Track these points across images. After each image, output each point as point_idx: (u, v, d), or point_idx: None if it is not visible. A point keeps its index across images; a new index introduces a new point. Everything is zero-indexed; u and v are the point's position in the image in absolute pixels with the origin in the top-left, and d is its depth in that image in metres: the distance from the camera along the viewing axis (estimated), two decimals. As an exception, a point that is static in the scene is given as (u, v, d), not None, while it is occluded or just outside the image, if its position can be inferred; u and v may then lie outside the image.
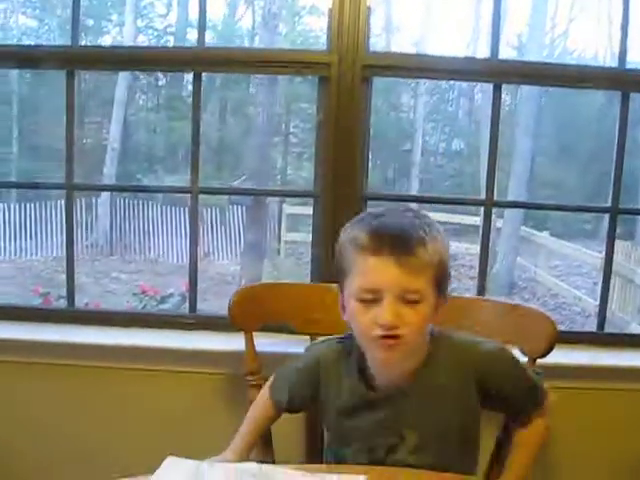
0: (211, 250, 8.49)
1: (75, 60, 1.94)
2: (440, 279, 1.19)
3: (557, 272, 8.81)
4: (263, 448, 1.51)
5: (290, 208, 8.78)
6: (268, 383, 1.45)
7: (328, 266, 1.87)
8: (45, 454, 1.92)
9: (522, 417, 1.33)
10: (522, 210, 8.74)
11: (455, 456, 1.28)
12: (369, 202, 1.93)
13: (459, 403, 1.27)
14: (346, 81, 1.83)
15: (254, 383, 1.58)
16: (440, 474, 1.21)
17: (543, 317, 1.51)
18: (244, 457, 1.32)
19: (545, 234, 8.79)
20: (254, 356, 1.59)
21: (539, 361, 1.49)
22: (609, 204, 1.96)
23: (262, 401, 1.44)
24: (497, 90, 1.91)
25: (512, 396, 1.30)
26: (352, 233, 1.20)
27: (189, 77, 2.03)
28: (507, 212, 8.36)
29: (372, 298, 1.16)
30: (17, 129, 9.97)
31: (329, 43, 1.84)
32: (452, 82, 11.77)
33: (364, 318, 1.18)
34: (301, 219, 8.49)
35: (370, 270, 1.16)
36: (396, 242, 1.15)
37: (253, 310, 1.60)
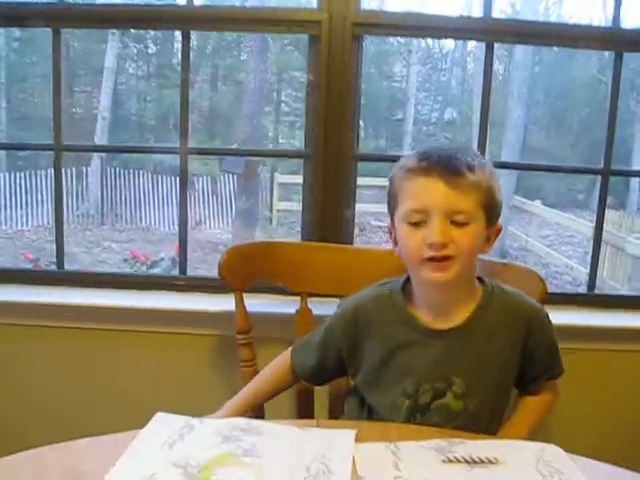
0: (202, 219, 8.46)
1: (61, 18, 1.90)
2: (489, 205, 1.21)
3: (548, 241, 8.82)
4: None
5: (282, 177, 8.74)
6: (291, 347, 1.42)
7: (319, 226, 1.87)
8: (31, 416, 1.93)
9: (534, 386, 1.34)
10: (514, 179, 8.73)
11: (492, 410, 1.29)
12: (360, 163, 1.92)
13: (505, 355, 1.27)
14: (337, 39, 1.81)
15: (244, 342, 1.58)
16: (427, 428, 1.20)
17: (533, 274, 1.51)
18: (239, 415, 1.30)
19: (537, 203, 8.79)
20: (244, 315, 1.59)
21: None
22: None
23: (278, 365, 1.42)
24: (490, 49, 1.89)
25: (539, 359, 1.30)
26: (402, 162, 1.24)
27: (179, 45, 2.00)
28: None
29: (421, 219, 1.18)
30: (5, 98, 9.85)
31: (319, 1, 1.82)
32: (445, 51, 11.73)
33: (413, 240, 1.19)
34: (293, 188, 8.47)
35: (419, 191, 1.19)
36: (444, 164, 1.18)
37: (243, 269, 1.60)
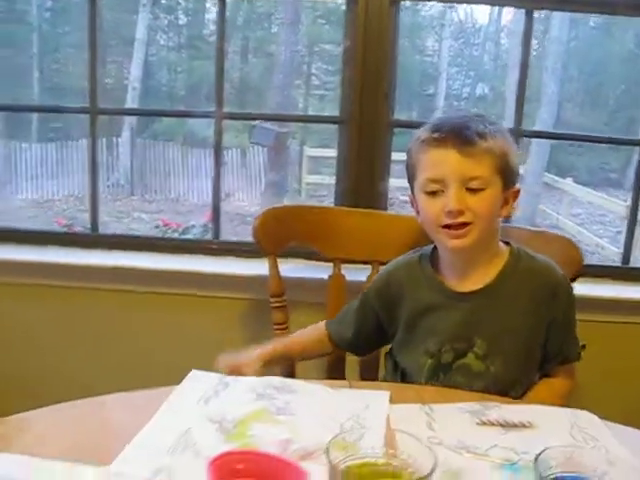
0: (232, 191, 8.47)
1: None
2: (504, 169, 1.24)
3: (579, 220, 8.71)
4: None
5: (311, 150, 8.71)
6: (324, 321, 1.46)
7: (353, 192, 1.86)
8: (65, 375, 1.95)
9: (547, 367, 1.34)
10: (546, 156, 8.62)
11: (519, 374, 1.30)
12: (395, 129, 1.91)
13: (529, 320, 1.28)
14: (374, 4, 1.79)
15: (278, 305, 1.58)
16: (462, 392, 1.21)
17: (570, 244, 1.49)
18: (267, 360, 1.35)
19: (569, 180, 8.68)
20: (278, 278, 1.59)
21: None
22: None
23: (313, 328, 1.45)
24: (529, 16, 1.86)
25: (555, 335, 1.31)
26: (418, 134, 1.27)
27: (210, 16, 1.99)
28: (531, 157, 8.24)
29: (438, 189, 1.22)
30: (38, 69, 9.89)
31: (357, -35, 1.80)
32: (478, 26, 11.55)
33: (431, 209, 1.24)
34: (322, 161, 8.43)
35: (434, 161, 1.23)
36: (457, 133, 1.21)
37: (277, 232, 1.60)
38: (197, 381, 1.18)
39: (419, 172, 1.26)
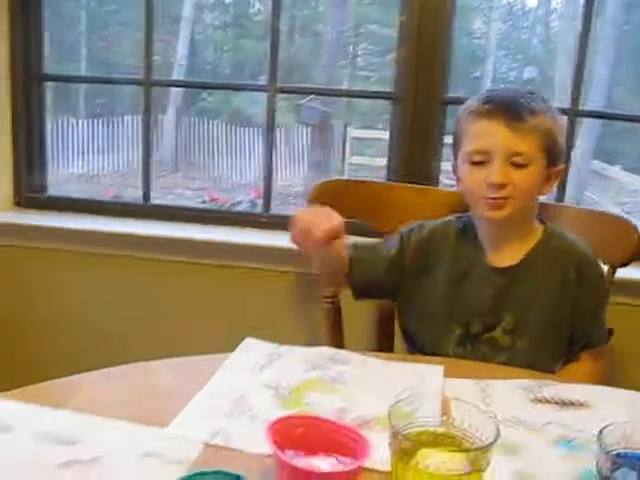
0: (275, 170, 8.49)
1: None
2: (549, 148, 1.25)
3: (627, 209, 8.54)
4: (333, 334, 1.54)
5: (355, 131, 8.67)
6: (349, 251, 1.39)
7: (407, 167, 1.85)
8: (113, 343, 1.99)
9: (573, 350, 1.34)
10: (594, 142, 8.45)
11: (544, 351, 1.31)
12: (449, 107, 1.88)
13: (558, 298, 1.30)
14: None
15: (328, 279, 1.58)
16: (513, 369, 1.20)
17: (629, 225, 1.46)
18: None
19: (617, 168, 8.50)
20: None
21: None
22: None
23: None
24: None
25: (580, 318, 1.31)
26: (468, 103, 1.29)
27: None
28: (580, 142, 8.08)
29: (482, 160, 1.24)
30: (86, 47, 9.99)
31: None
32: (527, 9, 11.33)
33: (474, 179, 1.25)
34: (365, 142, 8.40)
35: (482, 132, 1.24)
36: (507, 107, 1.22)
37: (330, 205, 1.59)
38: (251, 349, 1.19)
39: (465, 141, 1.27)
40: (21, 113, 2.07)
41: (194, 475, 0.71)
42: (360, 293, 1.42)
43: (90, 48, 10.08)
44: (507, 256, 1.31)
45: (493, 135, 1.22)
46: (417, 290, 1.37)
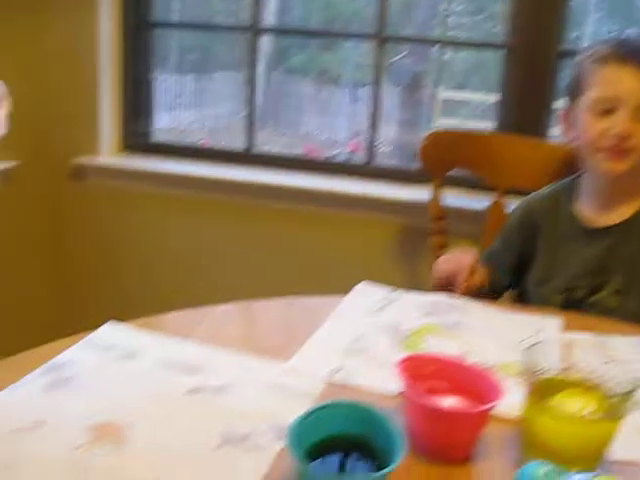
0: (362, 130, 8.43)
1: None
2: None
3: None
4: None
5: (445, 93, 8.49)
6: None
7: (515, 119, 1.80)
8: (212, 288, 2.02)
9: None
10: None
11: None
12: (563, 60, 1.81)
13: None
14: None
15: (437, 230, 1.57)
16: (635, 326, 1.16)
17: None
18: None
19: None
20: (439, 202, 1.57)
21: None
22: None
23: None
24: None
25: None
26: (593, 49, 1.21)
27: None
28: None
29: (608, 108, 1.16)
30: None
31: None
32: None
33: (595, 129, 1.19)
34: (455, 104, 8.22)
35: (611, 78, 1.17)
36: None
37: (442, 155, 1.58)
38: (366, 292, 1.19)
39: (589, 88, 1.19)
40: (129, 60, 2.11)
41: (327, 405, 0.70)
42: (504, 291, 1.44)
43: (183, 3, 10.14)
44: (613, 214, 1.25)
45: (623, 82, 1.15)
46: (531, 255, 1.35)
